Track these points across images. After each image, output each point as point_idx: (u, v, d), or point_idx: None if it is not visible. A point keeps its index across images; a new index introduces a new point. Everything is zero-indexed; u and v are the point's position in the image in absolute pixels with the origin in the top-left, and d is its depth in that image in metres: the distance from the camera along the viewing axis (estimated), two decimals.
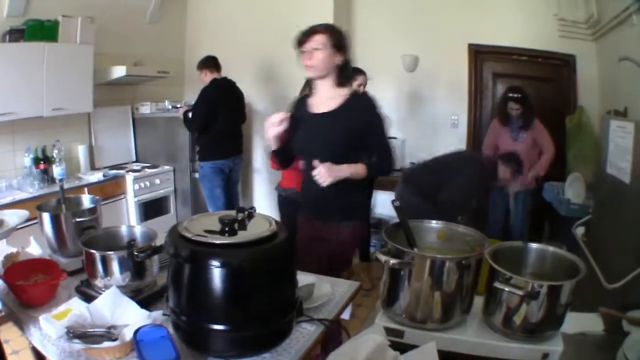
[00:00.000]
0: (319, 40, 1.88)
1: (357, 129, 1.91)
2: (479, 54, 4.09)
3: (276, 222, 1.28)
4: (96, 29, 3.96)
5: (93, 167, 4.29)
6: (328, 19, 4.33)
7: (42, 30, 3.62)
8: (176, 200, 4.69)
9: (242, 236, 1.17)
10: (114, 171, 4.28)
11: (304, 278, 1.62)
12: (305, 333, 1.36)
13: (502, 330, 1.23)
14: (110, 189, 4.10)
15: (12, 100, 3.38)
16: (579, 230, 2.41)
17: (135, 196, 4.26)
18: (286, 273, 1.25)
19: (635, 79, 2.47)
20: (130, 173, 4.25)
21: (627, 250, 1.82)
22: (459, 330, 1.25)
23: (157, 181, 4.44)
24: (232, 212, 1.31)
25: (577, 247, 2.27)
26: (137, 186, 4.25)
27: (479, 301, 1.33)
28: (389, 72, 4.48)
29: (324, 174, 1.78)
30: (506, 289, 1.15)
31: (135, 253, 1.46)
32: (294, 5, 4.51)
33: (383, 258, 1.20)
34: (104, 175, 4.12)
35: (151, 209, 4.41)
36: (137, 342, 1.12)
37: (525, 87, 3.29)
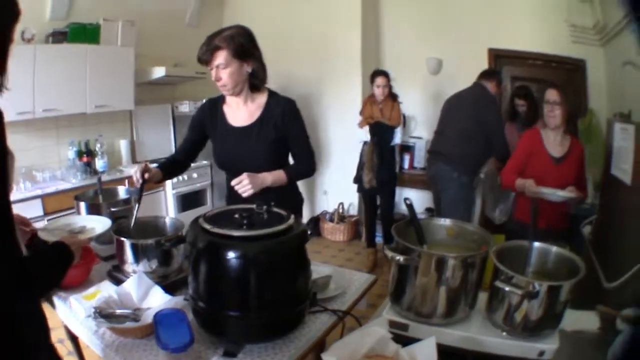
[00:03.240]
0: (221, 56, 1.68)
1: (279, 138, 1.80)
2: (498, 58, 4.08)
3: (293, 217, 1.27)
4: (137, 32, 4.01)
5: (134, 161, 4.35)
6: (356, 27, 4.38)
7: (84, 33, 3.68)
8: (212, 193, 4.73)
9: (257, 229, 1.17)
10: (154, 165, 4.32)
11: (322, 269, 1.65)
12: (318, 322, 1.36)
13: (502, 327, 1.21)
14: (149, 183, 4.16)
15: (56, 97, 3.46)
16: (586, 229, 2.34)
17: (173, 189, 4.31)
18: (299, 265, 1.25)
19: (637, 82, 2.43)
20: None
21: (627, 250, 1.78)
22: (462, 326, 1.24)
23: (195, 175, 4.48)
24: (253, 206, 1.32)
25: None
26: (175, 179, 4.24)
27: (484, 297, 1.31)
28: (414, 74, 4.46)
29: (246, 184, 1.65)
30: (507, 288, 1.13)
31: (162, 242, 1.49)
32: (324, 14, 4.53)
33: (390, 254, 1.19)
34: None
35: (188, 201, 4.45)
36: (156, 324, 1.13)
37: (540, 90, 3.23)
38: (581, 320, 1.35)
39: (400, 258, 1.17)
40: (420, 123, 4.60)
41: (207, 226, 1.18)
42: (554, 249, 1.35)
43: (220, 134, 1.86)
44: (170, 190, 4.32)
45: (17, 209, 2.11)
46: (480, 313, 1.30)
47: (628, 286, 1.64)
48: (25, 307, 1.60)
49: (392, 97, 3.83)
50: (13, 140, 3.07)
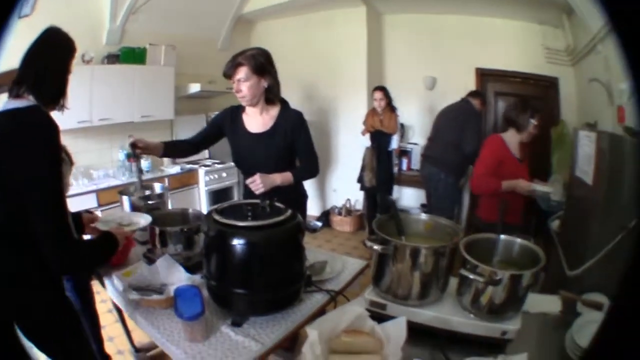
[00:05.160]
0: (242, 71, 1.72)
1: (288, 144, 1.82)
2: (483, 76, 4.07)
3: (291, 211, 1.29)
4: (177, 54, 4.09)
5: (174, 162, 4.40)
6: (362, 51, 4.40)
7: (133, 56, 3.78)
8: (239, 190, 4.75)
9: (259, 220, 1.19)
10: (190, 165, 4.39)
11: (320, 256, 1.66)
12: (313, 301, 1.38)
13: (469, 309, 1.18)
14: (186, 180, 4.23)
15: (110, 108, 3.57)
16: (555, 224, 2.29)
17: (205, 186, 4.35)
18: (294, 251, 1.26)
19: (602, 97, 2.40)
20: (203, 167, 4.34)
21: (588, 242, 1.74)
22: (434, 307, 1.22)
23: (224, 174, 4.52)
24: (258, 201, 1.35)
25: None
26: (207, 178, 4.33)
27: (455, 282, 1.28)
28: (412, 89, 4.45)
29: (258, 183, 1.69)
30: (471, 276, 1.11)
31: (185, 229, 1.54)
32: (335, 40, 4.57)
33: (369, 244, 1.18)
34: (181, 169, 4.24)
35: (218, 196, 4.48)
36: (176, 297, 1.17)
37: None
38: (545, 304, 1.33)
39: (378, 247, 1.17)
40: (417, 131, 4.60)
41: (218, 217, 1.21)
42: (518, 241, 1.31)
43: (239, 138, 1.89)
44: (203, 187, 4.37)
45: (75, 202, 2.20)
46: (452, 296, 1.28)
47: (588, 274, 1.61)
48: (76, 279, 1.70)
49: (391, 108, 3.84)
50: (74, 144, 3.21)
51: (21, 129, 1.04)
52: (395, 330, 1.02)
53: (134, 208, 1.95)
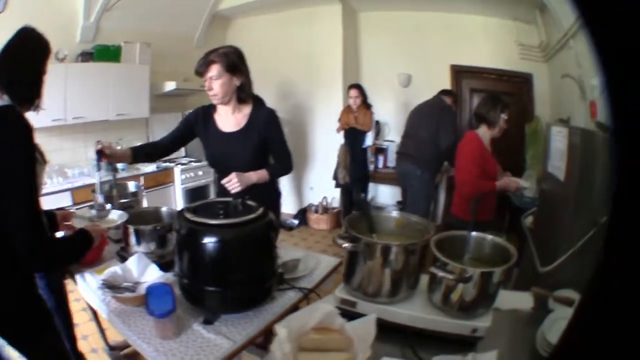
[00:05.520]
0: (214, 69, 1.69)
1: (262, 142, 1.80)
2: (458, 73, 4.10)
3: (263, 209, 1.28)
4: (152, 52, 4.02)
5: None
6: (337, 47, 4.38)
7: (107, 53, 3.69)
8: (215, 188, 4.72)
9: (229, 219, 1.19)
10: (166, 164, 4.29)
11: (293, 253, 1.65)
12: (286, 298, 1.37)
13: (440, 307, 1.16)
14: (161, 178, 4.15)
15: (84, 107, 3.49)
16: (528, 220, 2.30)
17: (182, 184, 4.28)
18: (265, 248, 1.26)
19: (574, 92, 2.38)
20: (179, 166, 4.27)
21: (560, 239, 1.75)
22: (404, 305, 1.20)
23: (200, 173, 4.45)
24: (231, 199, 1.34)
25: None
26: (183, 176, 4.27)
27: (426, 279, 1.25)
28: (387, 87, 4.45)
29: (235, 182, 1.66)
30: (440, 274, 1.10)
31: (157, 228, 1.52)
32: (311, 37, 4.54)
33: (339, 241, 1.17)
34: (157, 167, 4.16)
35: (194, 195, 4.39)
36: (147, 295, 1.16)
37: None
38: (517, 300, 1.31)
39: (347, 245, 1.16)
40: (392, 129, 4.61)
41: (189, 215, 1.20)
42: (489, 237, 1.29)
43: (211, 138, 1.86)
44: (179, 185, 4.30)
45: (50, 200, 2.11)
46: (423, 293, 1.25)
47: (561, 270, 1.61)
48: (50, 277, 1.65)
49: (366, 106, 3.87)
50: (49, 142, 3.09)
51: None
52: (365, 328, 1.02)
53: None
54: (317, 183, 4.83)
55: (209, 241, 1.14)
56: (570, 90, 2.51)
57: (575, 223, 1.66)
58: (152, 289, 1.17)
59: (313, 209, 4.73)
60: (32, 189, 1.05)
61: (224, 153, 1.83)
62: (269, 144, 1.82)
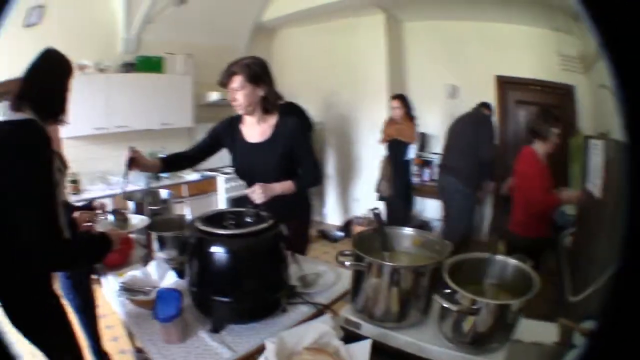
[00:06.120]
0: (236, 80, 1.74)
1: (287, 152, 1.82)
2: (504, 84, 4.03)
3: (274, 220, 1.31)
4: (195, 63, 4.23)
5: (194, 169, 4.45)
6: (381, 58, 4.44)
7: (149, 64, 3.95)
8: None
9: (237, 229, 1.24)
10: (209, 173, 4.48)
11: (315, 267, 1.67)
12: (299, 312, 1.36)
13: (449, 337, 1.10)
14: (204, 187, 4.34)
15: (127, 116, 3.75)
16: (567, 240, 2.21)
17: (225, 193, 4.44)
18: (274, 259, 1.29)
19: (611, 104, 2.27)
20: (222, 175, 4.43)
21: (595, 264, 1.63)
22: (412, 331, 1.15)
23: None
24: (243, 210, 1.39)
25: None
26: (227, 185, 4.41)
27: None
28: (434, 98, 4.43)
29: (258, 193, 1.67)
30: (444, 304, 1.03)
31: (178, 235, 1.60)
32: (354, 48, 4.65)
33: (340, 258, 1.17)
34: (200, 176, 4.36)
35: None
36: (157, 298, 1.23)
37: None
38: (542, 332, 1.21)
39: (349, 263, 1.15)
40: (439, 141, 4.57)
41: (199, 224, 1.26)
42: (512, 262, 1.22)
43: (238, 148, 1.92)
44: (222, 193, 4.47)
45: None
46: (435, 321, 1.18)
47: (591, 300, 1.51)
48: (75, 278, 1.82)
49: (410, 117, 3.86)
50: (91, 150, 3.40)
51: (14, 139, 1.17)
52: (360, 353, 1.00)
53: (137, 213, 2.05)
54: (363, 195, 4.85)
55: (216, 251, 1.19)
56: (608, 101, 2.40)
57: (610, 247, 1.52)
58: (162, 294, 1.23)
59: (358, 222, 4.74)
60: (49, 193, 1.17)
61: (250, 163, 1.89)
62: (294, 154, 1.85)
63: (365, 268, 1.14)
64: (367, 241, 1.30)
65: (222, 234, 1.22)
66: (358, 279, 1.19)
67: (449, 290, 1.07)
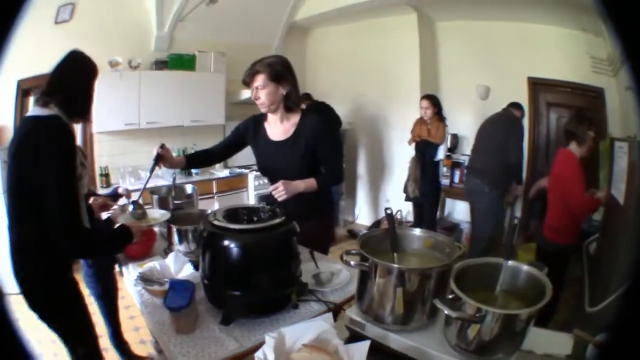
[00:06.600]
0: (259, 79, 1.78)
1: (309, 150, 1.86)
2: (535, 86, 3.96)
3: (287, 217, 1.35)
4: (228, 61, 4.33)
5: (225, 166, 4.64)
6: (414, 58, 4.43)
7: (181, 62, 4.06)
8: None
9: (249, 224, 1.28)
10: (240, 170, 4.60)
11: (332, 265, 1.69)
12: (310, 310, 1.38)
13: (453, 344, 1.07)
14: (235, 183, 4.46)
15: (158, 112, 3.88)
16: (591, 247, 2.13)
17: (255, 190, 4.54)
18: (284, 255, 1.32)
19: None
20: (253, 172, 4.51)
21: (615, 273, 1.56)
22: (416, 336, 1.13)
23: None
24: (258, 206, 1.43)
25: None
26: (257, 182, 4.51)
27: None
28: (466, 99, 4.39)
29: (281, 190, 1.74)
30: (446, 311, 0.99)
31: (196, 229, 1.66)
32: (388, 47, 4.65)
33: (345, 257, 1.16)
34: (230, 173, 4.48)
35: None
36: (169, 289, 1.28)
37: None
38: (557, 343, 1.16)
39: (353, 263, 1.14)
40: (470, 142, 4.50)
41: (212, 219, 1.31)
42: (525, 268, 1.17)
43: (262, 146, 1.98)
44: (252, 190, 4.58)
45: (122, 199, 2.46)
46: (441, 326, 1.15)
47: (609, 312, 1.44)
48: (98, 266, 1.94)
49: (440, 118, 3.81)
50: (123, 145, 3.58)
51: (39, 134, 1.27)
52: (359, 353, 0.99)
53: (161, 206, 2.15)
54: (394, 195, 4.86)
55: (227, 244, 1.23)
56: (633, 104, 2.31)
57: (628, 256, 1.47)
58: (174, 284, 1.29)
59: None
60: (72, 185, 1.27)
61: (273, 161, 1.94)
62: (316, 152, 1.88)
63: (369, 268, 1.14)
64: (376, 241, 1.29)
65: (233, 229, 1.26)
66: (363, 279, 1.20)
67: (449, 296, 1.05)
